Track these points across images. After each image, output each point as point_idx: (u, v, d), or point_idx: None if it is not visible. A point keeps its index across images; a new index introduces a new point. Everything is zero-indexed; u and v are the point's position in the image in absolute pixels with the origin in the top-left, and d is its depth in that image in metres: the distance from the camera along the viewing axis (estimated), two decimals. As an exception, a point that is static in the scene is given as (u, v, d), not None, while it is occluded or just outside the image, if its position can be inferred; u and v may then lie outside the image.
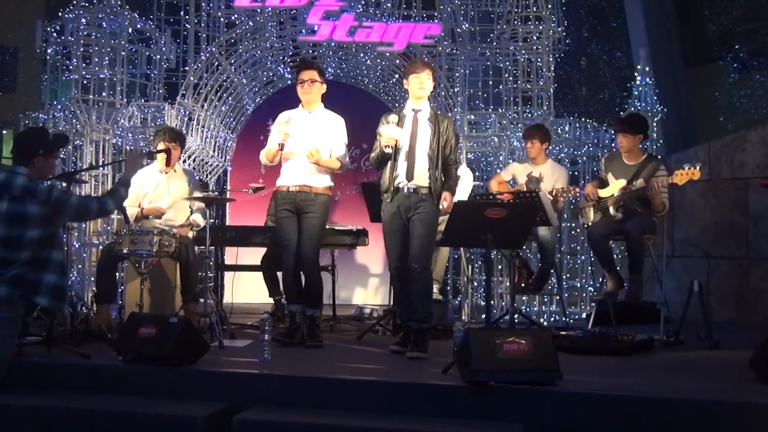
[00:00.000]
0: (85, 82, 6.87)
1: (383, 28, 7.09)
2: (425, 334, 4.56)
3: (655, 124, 7.55)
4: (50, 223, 3.97)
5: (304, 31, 7.30)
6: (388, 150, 4.61)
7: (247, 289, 7.36)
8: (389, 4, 7.60)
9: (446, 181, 4.64)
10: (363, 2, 7.58)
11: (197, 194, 5.66)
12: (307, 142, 4.90)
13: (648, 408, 3.44)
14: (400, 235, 4.62)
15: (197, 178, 6.28)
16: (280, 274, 6.49)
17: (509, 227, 4.16)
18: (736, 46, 10.58)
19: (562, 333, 5.18)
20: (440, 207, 4.60)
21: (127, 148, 6.80)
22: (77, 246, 6.56)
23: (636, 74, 7.97)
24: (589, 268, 7.18)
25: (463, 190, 6.03)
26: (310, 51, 7.88)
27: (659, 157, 6.77)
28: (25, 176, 3.94)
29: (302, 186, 4.94)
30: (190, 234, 5.67)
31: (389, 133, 4.64)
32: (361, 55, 7.68)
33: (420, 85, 4.69)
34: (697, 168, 5.27)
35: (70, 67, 6.96)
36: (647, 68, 7.79)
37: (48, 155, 4.12)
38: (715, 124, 10.78)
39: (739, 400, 3.44)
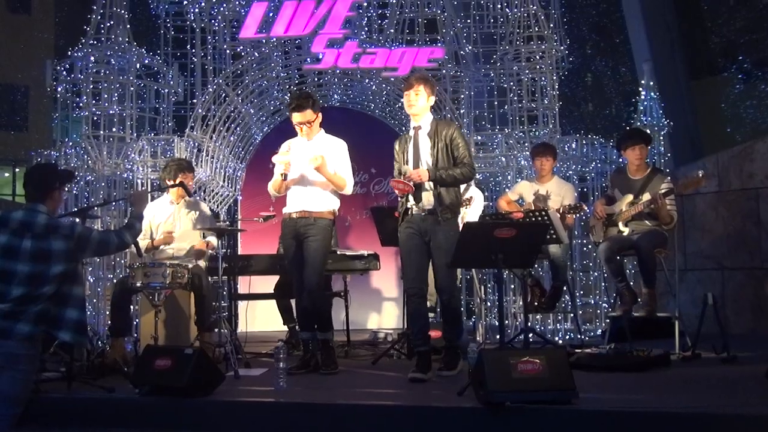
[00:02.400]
0: (95, 118, 6.97)
1: (387, 53, 7.17)
2: (457, 353, 4.55)
3: (661, 137, 7.56)
4: (73, 259, 4.00)
5: (309, 59, 7.39)
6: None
7: (261, 317, 7.38)
8: (392, 30, 7.69)
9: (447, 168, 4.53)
10: (366, 29, 7.68)
11: (208, 225, 5.70)
12: (309, 168, 4.90)
13: (666, 424, 3.40)
14: (418, 258, 4.60)
15: (208, 207, 6.34)
16: (293, 302, 6.54)
17: (519, 246, 4.17)
18: (740, 57, 10.59)
19: (576, 350, 5.17)
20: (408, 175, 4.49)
21: (139, 181, 6.88)
22: (92, 280, 6.62)
23: (641, 89, 7.99)
24: (603, 284, 7.15)
25: (474, 211, 6.05)
26: (316, 79, 7.97)
27: (667, 170, 6.80)
28: (45, 214, 3.98)
29: (302, 212, 4.97)
30: (203, 263, 5.71)
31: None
32: (367, 80, 7.76)
33: (408, 102, 4.66)
34: (700, 174, 5.28)
35: (81, 105, 7.07)
36: (651, 83, 7.82)
37: (61, 189, 4.18)
38: (722, 136, 10.77)
39: (759, 414, 3.40)
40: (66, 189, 4.51)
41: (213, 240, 5.68)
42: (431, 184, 4.54)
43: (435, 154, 4.58)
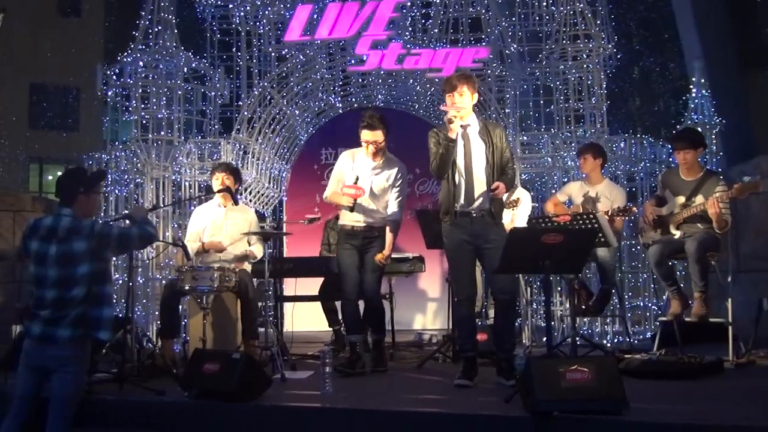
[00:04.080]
0: (144, 121, 7.09)
1: (431, 54, 7.13)
2: (512, 362, 4.53)
3: (713, 136, 7.37)
4: (99, 258, 4.01)
5: (353, 61, 7.40)
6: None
7: (306, 318, 7.43)
8: (436, 30, 7.65)
9: (502, 177, 4.54)
10: (410, 29, 7.66)
11: (255, 228, 5.75)
12: (375, 186, 5.14)
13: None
14: (469, 263, 4.59)
15: (254, 211, 6.40)
16: (338, 304, 6.57)
17: (567, 252, 4.09)
18: (793, 52, 10.29)
19: (626, 356, 5.07)
20: (493, 193, 4.47)
21: (186, 184, 6.98)
22: (141, 281, 6.75)
23: (691, 86, 7.81)
24: (652, 286, 7.01)
25: (523, 213, 5.99)
26: (360, 80, 7.97)
27: (719, 170, 6.63)
28: (70, 217, 3.99)
29: (366, 226, 5.13)
30: (248, 266, 5.76)
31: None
32: (411, 81, 7.73)
33: (453, 104, 4.54)
34: (758, 179, 5.13)
35: (130, 108, 7.20)
36: (702, 80, 7.62)
37: (89, 192, 4.21)
38: (776, 133, 10.48)
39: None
40: (99, 192, 4.50)
41: (256, 250, 5.72)
42: (486, 184, 4.49)
43: (491, 156, 4.54)
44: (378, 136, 5.05)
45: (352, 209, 5.05)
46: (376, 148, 5.09)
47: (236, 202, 5.85)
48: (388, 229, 5.14)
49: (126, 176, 7.17)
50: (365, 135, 5.06)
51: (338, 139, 8.38)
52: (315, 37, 7.27)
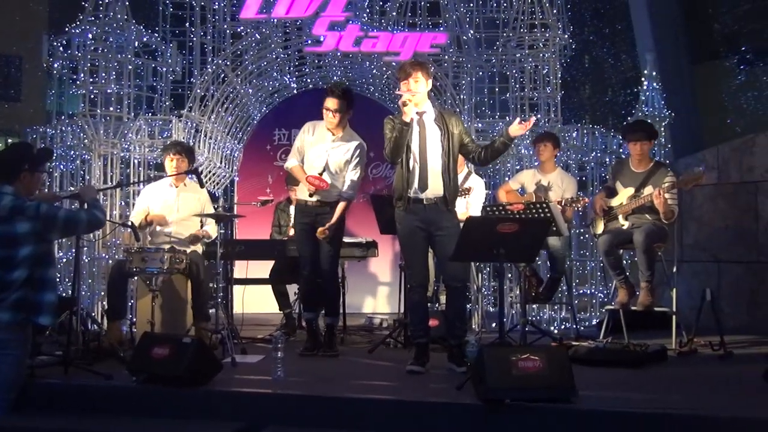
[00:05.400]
0: (92, 96, 6.87)
1: (389, 37, 7.08)
2: (463, 348, 4.56)
3: (662, 128, 7.53)
4: (42, 240, 3.89)
5: (310, 41, 7.30)
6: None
7: (256, 300, 7.35)
8: (394, 13, 7.59)
9: (490, 145, 4.58)
10: (368, 11, 7.58)
11: (208, 210, 5.65)
12: (331, 163, 5.13)
13: (665, 425, 3.42)
14: (422, 250, 4.60)
15: (207, 191, 6.27)
16: (289, 287, 6.53)
17: (522, 241, 4.13)
18: (743, 48, 10.53)
19: (574, 343, 5.18)
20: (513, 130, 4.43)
21: (135, 161, 6.81)
22: (87, 260, 6.57)
23: (643, 79, 7.95)
24: (599, 274, 7.16)
25: (476, 200, 6.02)
26: (316, 61, 7.88)
27: (667, 162, 6.77)
28: (11, 195, 3.84)
29: (319, 201, 5.13)
30: (199, 248, 5.66)
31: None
32: (367, 63, 7.67)
33: (408, 90, 4.50)
34: (701, 169, 5.27)
35: (77, 82, 6.96)
36: (654, 73, 7.76)
37: (34, 170, 4.05)
38: (722, 126, 10.74)
39: (759, 418, 3.41)
40: (43, 171, 4.33)
41: (210, 230, 5.63)
42: (440, 171, 4.50)
43: (446, 142, 4.53)
44: (339, 105, 5.04)
45: (311, 195, 5.09)
46: (337, 118, 5.05)
47: (202, 184, 5.67)
48: (340, 205, 5.11)
49: (72, 152, 6.96)
50: (328, 102, 5.07)
51: (292, 119, 8.27)
52: (272, 15, 7.14)
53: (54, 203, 4.15)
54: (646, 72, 7.95)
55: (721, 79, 10.90)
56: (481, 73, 7.68)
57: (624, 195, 5.57)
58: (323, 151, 5.13)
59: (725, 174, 7.18)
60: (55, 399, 4.06)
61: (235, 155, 8.27)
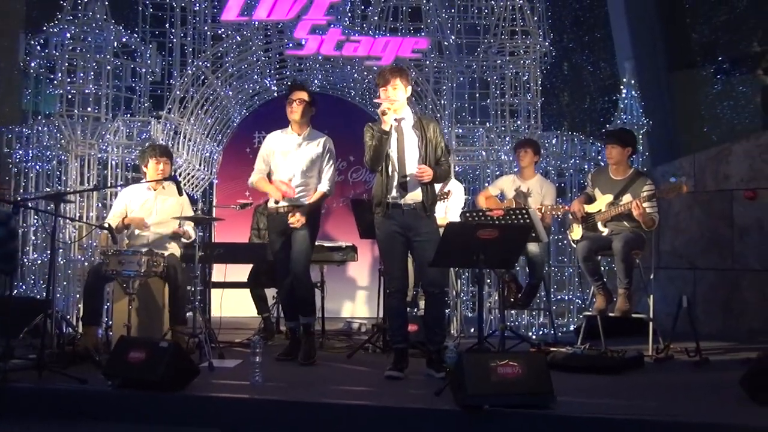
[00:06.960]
0: (69, 96, 6.79)
1: (371, 42, 7.07)
2: (442, 354, 4.54)
3: (641, 136, 7.59)
4: None
5: (291, 45, 7.27)
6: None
7: (234, 304, 7.29)
8: (376, 18, 7.59)
9: (435, 167, 4.55)
10: (350, 15, 7.57)
11: (187, 213, 5.60)
12: (294, 168, 5.12)
13: (642, 431, 3.44)
14: (401, 255, 4.60)
15: (186, 194, 6.22)
16: (267, 291, 6.49)
17: (501, 248, 4.15)
18: (719, 58, 10.66)
19: (552, 349, 5.20)
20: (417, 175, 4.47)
21: (113, 163, 6.73)
22: (62, 262, 6.48)
23: (621, 86, 8.02)
24: (576, 279, 7.20)
25: (455, 205, 6.03)
26: (297, 64, 7.85)
27: (644, 170, 6.83)
28: None
29: (290, 206, 5.08)
30: (177, 251, 5.61)
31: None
32: (348, 68, 7.66)
33: (387, 98, 4.52)
34: (683, 180, 5.31)
35: (55, 82, 6.88)
36: (633, 81, 7.83)
37: None
38: (698, 135, 10.86)
39: (735, 423, 3.44)
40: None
41: (190, 230, 5.59)
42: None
43: (424, 149, 4.55)
44: (304, 96, 5.11)
45: (277, 202, 5.09)
46: (301, 107, 5.09)
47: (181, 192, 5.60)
48: (317, 192, 5.11)
49: (48, 152, 6.86)
50: (292, 95, 5.14)
51: (272, 122, 8.10)
52: (253, 17, 7.11)
53: None
54: (624, 80, 8.02)
55: (698, 88, 11.02)
56: (461, 79, 7.70)
57: (602, 202, 5.60)
58: (292, 153, 5.14)
59: (701, 182, 7.26)
60: (28, 404, 4.00)
61: (215, 158, 8.22)
